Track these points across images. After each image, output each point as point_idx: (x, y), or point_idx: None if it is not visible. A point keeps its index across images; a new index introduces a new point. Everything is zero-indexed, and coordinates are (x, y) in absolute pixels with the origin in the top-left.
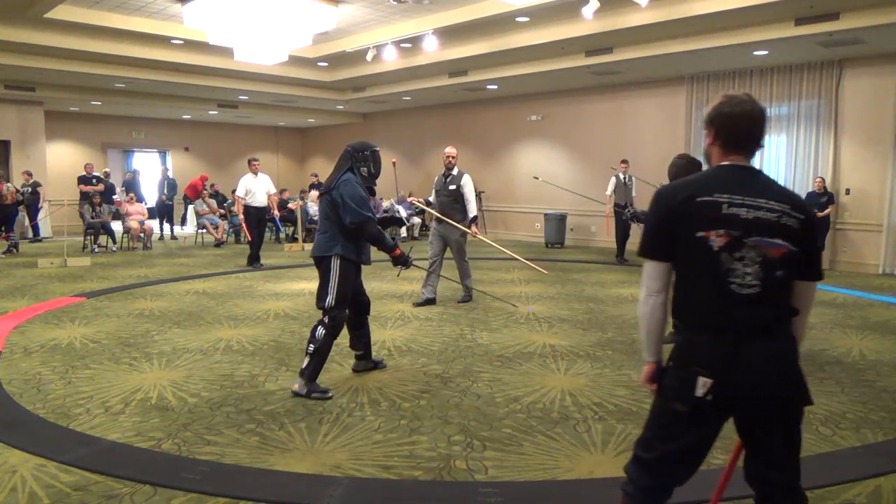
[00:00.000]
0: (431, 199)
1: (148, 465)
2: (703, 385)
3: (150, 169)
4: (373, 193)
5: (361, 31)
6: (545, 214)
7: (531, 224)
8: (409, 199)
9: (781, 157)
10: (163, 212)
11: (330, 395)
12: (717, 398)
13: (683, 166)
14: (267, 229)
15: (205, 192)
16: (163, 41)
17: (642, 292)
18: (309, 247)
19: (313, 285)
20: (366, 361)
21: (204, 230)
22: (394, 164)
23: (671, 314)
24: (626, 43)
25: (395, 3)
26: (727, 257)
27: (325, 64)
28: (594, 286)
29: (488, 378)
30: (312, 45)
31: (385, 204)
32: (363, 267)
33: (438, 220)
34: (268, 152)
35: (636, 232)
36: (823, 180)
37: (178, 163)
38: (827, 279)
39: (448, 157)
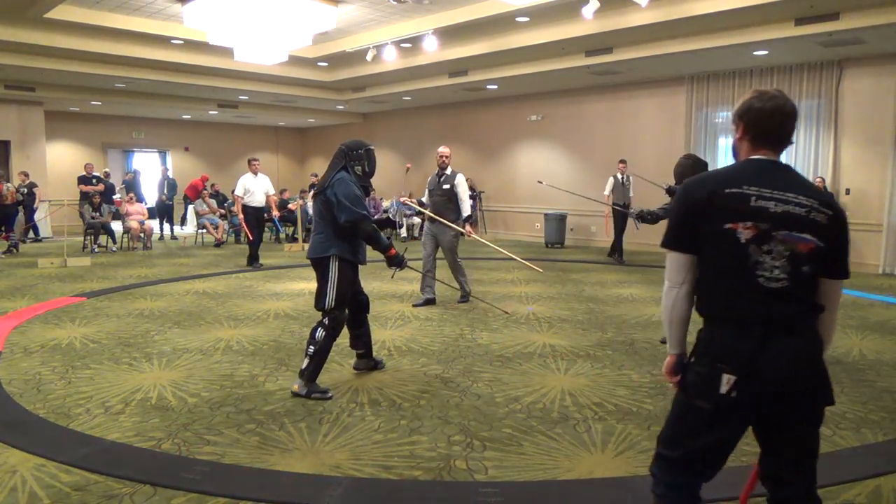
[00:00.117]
0: (424, 199)
1: (148, 465)
2: (727, 382)
3: (150, 169)
4: (367, 192)
5: (361, 31)
6: (545, 214)
7: (531, 224)
8: (402, 200)
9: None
10: (163, 212)
11: (330, 395)
12: (742, 395)
13: (689, 166)
14: (266, 229)
15: (205, 192)
16: (163, 41)
17: (665, 285)
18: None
19: (313, 285)
20: (367, 360)
21: (204, 230)
22: (407, 169)
23: (695, 309)
24: (626, 43)
25: (395, 3)
26: (755, 249)
27: (325, 64)
28: (594, 286)
29: (488, 378)
30: (312, 45)
31: (385, 204)
32: (360, 267)
33: (431, 220)
34: (268, 152)
35: (632, 232)
36: (823, 180)
37: (178, 163)
38: None
39: (441, 156)
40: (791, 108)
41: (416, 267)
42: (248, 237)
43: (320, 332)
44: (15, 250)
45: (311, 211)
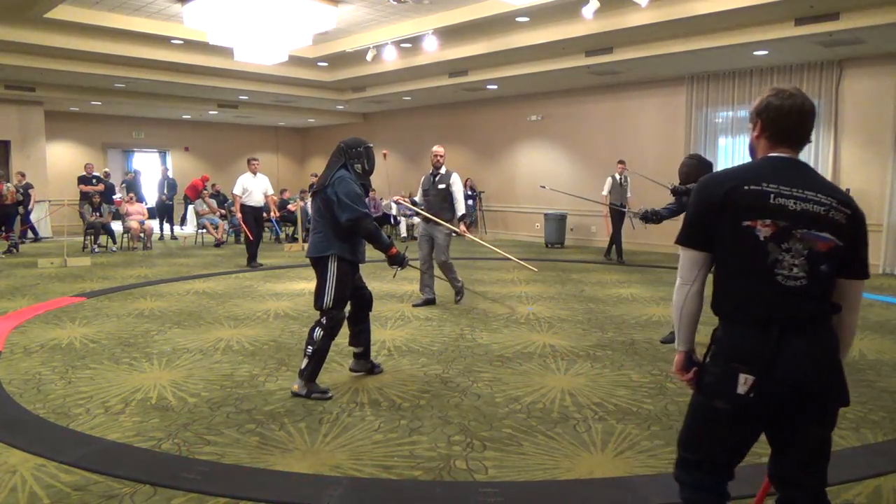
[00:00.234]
0: (418, 198)
1: (148, 465)
2: (744, 382)
3: (150, 169)
4: (367, 190)
5: (361, 31)
6: (545, 214)
7: (531, 224)
8: (395, 199)
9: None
10: (163, 212)
11: (330, 395)
12: (759, 395)
13: (694, 166)
14: (266, 229)
15: (205, 192)
16: (163, 41)
17: (677, 281)
18: None
19: (313, 285)
20: (364, 361)
21: (204, 230)
22: (384, 156)
23: (710, 308)
24: (626, 43)
25: (395, 3)
26: (774, 248)
27: (325, 64)
28: (594, 286)
29: (488, 378)
30: (312, 45)
31: (384, 203)
32: (360, 266)
33: (426, 220)
34: (268, 152)
35: (633, 233)
36: None
37: (178, 163)
38: None
39: (436, 155)
40: (810, 106)
41: (417, 266)
42: (247, 237)
43: (318, 332)
44: (15, 250)
45: (310, 211)
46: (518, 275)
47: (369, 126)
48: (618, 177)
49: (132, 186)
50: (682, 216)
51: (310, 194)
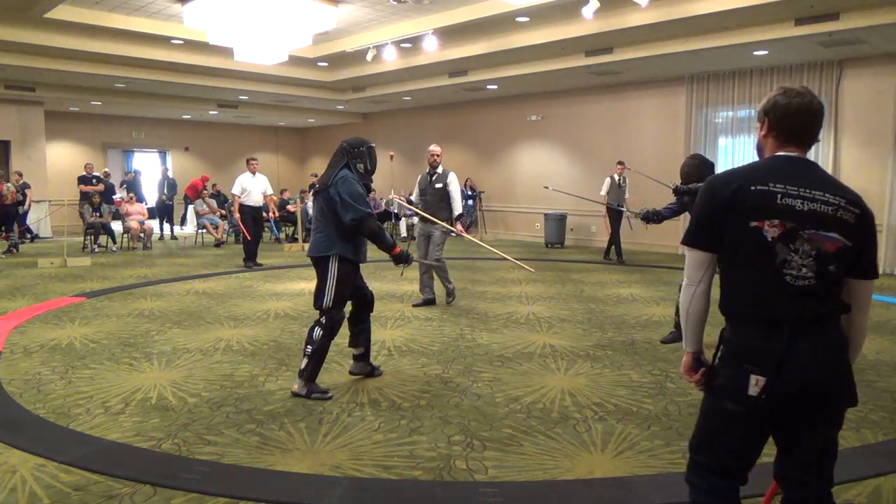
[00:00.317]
0: (414, 197)
1: (148, 465)
2: (755, 383)
3: (150, 169)
4: (369, 190)
5: (361, 31)
6: (545, 214)
7: (531, 224)
8: (391, 197)
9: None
10: (163, 212)
11: (330, 395)
12: (769, 396)
13: (696, 166)
14: (266, 229)
15: (205, 192)
16: (163, 41)
17: (683, 281)
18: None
19: (313, 285)
20: (363, 363)
21: (204, 230)
22: (391, 157)
23: (718, 309)
24: (626, 43)
25: (395, 3)
26: (782, 248)
27: (325, 64)
28: (594, 286)
29: (488, 378)
30: (312, 45)
31: (387, 199)
32: (361, 265)
33: (423, 220)
34: (268, 152)
35: (633, 233)
36: None
37: (178, 163)
38: None
39: (433, 155)
40: (818, 105)
41: (424, 260)
42: (244, 236)
43: (318, 332)
44: (15, 250)
45: (310, 211)
46: (518, 275)
47: (369, 126)
48: (616, 177)
49: (132, 186)
50: (682, 216)
51: (310, 194)
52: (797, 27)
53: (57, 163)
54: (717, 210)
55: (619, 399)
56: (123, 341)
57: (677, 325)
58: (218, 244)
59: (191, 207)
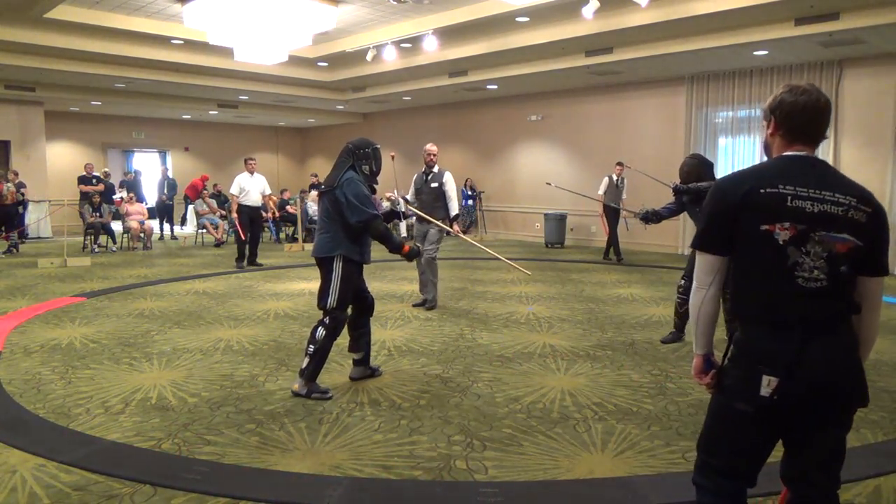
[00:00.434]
0: (409, 196)
1: (148, 465)
2: (768, 384)
3: (150, 169)
4: (374, 191)
5: (361, 31)
6: (545, 214)
7: (531, 224)
8: (388, 195)
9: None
10: (163, 212)
11: (330, 395)
12: (782, 396)
13: (695, 165)
14: (266, 229)
15: (205, 192)
16: (163, 41)
17: (693, 284)
18: (309, 247)
19: (313, 285)
20: (363, 368)
21: (204, 230)
22: (392, 158)
23: (729, 310)
24: (626, 43)
25: (395, 3)
26: (794, 251)
27: (325, 64)
28: (594, 286)
29: (488, 378)
30: (312, 45)
31: (385, 204)
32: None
33: (420, 220)
34: (268, 152)
35: (633, 232)
36: None
37: (178, 163)
38: None
39: (429, 154)
40: (825, 102)
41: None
42: (238, 236)
43: (320, 332)
44: (15, 250)
45: (310, 211)
46: (518, 275)
47: (369, 126)
48: (614, 177)
49: (132, 186)
50: (681, 215)
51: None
52: (797, 27)
53: (57, 163)
54: (727, 213)
55: (619, 399)
56: (123, 341)
57: (677, 326)
58: (218, 244)
59: (191, 207)
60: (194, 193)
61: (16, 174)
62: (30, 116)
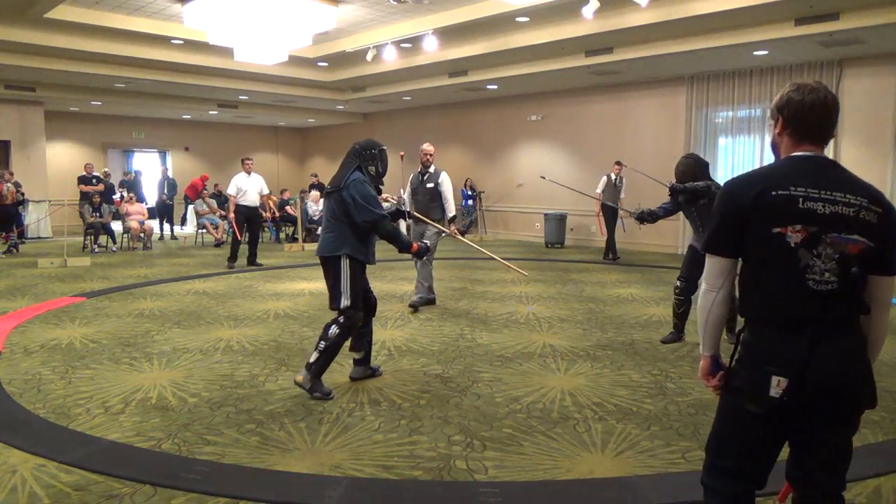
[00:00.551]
0: (406, 196)
1: (148, 465)
2: (777, 385)
3: (151, 169)
4: (379, 192)
5: (361, 31)
6: (545, 214)
7: (531, 224)
8: (382, 196)
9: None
10: (163, 212)
11: (332, 396)
12: (791, 397)
13: (691, 165)
14: (265, 229)
15: (205, 192)
16: (163, 41)
17: (702, 286)
18: (309, 247)
19: (313, 285)
20: (364, 368)
21: (204, 230)
22: (402, 157)
23: (738, 312)
24: (626, 43)
25: (395, 3)
26: (805, 253)
27: (325, 64)
28: (594, 286)
29: (488, 378)
30: (312, 45)
31: (386, 205)
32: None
33: (416, 221)
34: (268, 152)
35: (634, 232)
36: None
37: (178, 163)
38: None
39: (425, 154)
40: (833, 101)
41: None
42: (234, 236)
43: (334, 329)
44: (15, 250)
45: (310, 211)
46: (518, 275)
47: (369, 126)
48: (613, 177)
49: (132, 186)
50: (677, 214)
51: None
52: (797, 27)
53: (57, 163)
54: (737, 216)
55: (619, 399)
56: (123, 341)
57: (676, 326)
58: (218, 244)
59: (191, 207)
60: (194, 193)
61: (11, 174)
62: (30, 116)
